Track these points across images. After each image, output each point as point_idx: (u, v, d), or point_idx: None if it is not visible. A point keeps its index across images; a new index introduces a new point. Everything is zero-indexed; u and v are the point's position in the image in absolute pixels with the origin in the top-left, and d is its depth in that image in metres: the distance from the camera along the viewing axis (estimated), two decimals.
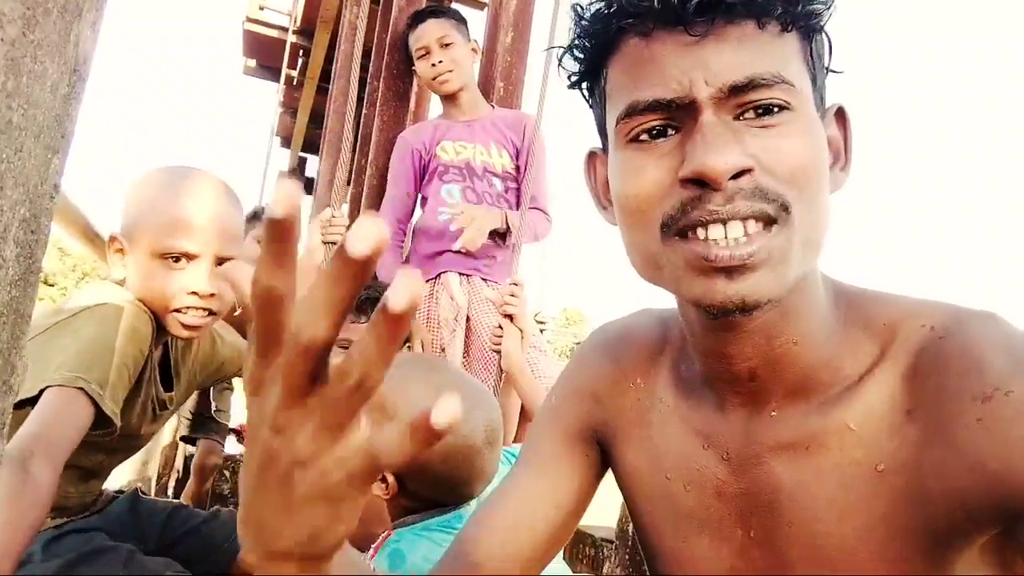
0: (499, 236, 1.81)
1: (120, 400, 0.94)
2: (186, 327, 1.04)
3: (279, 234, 0.29)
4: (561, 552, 0.90)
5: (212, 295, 1.04)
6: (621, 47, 0.52)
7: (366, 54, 1.87)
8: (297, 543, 0.35)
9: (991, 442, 0.44)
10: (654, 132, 0.51)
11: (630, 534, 1.76)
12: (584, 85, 0.58)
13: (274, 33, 3.88)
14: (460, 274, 1.81)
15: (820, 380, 0.53)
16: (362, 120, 2.24)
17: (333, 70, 2.85)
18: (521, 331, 1.54)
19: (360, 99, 1.89)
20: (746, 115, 0.49)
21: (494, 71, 2.01)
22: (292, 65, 3.81)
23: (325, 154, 2.58)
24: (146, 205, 1.03)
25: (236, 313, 1.25)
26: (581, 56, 0.55)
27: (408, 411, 0.92)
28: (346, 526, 0.35)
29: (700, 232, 0.48)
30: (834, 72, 0.54)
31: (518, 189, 1.88)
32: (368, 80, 2.24)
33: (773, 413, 0.54)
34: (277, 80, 3.98)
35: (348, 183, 2.06)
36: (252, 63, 4.36)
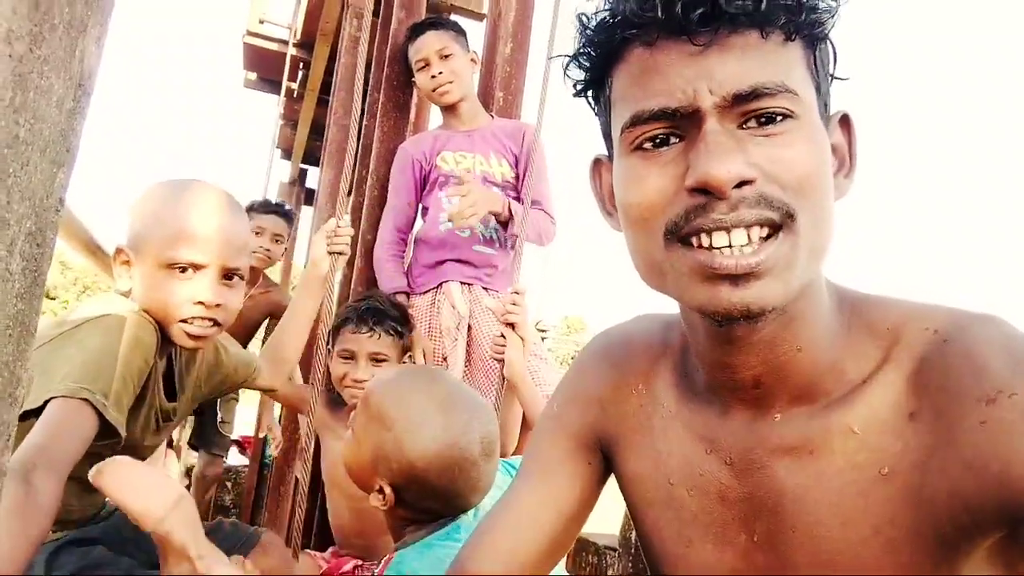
0: (501, 226, 1.80)
1: (125, 410, 0.95)
2: (191, 337, 1.04)
3: None
4: (564, 559, 0.90)
5: (218, 305, 1.04)
6: (626, 56, 0.52)
7: (366, 66, 1.88)
8: None
9: (995, 444, 0.44)
10: (658, 140, 0.51)
11: (633, 542, 1.76)
12: (589, 93, 0.58)
13: (274, 46, 3.90)
14: (461, 283, 1.81)
15: (824, 385, 0.53)
16: (362, 131, 2.25)
17: (333, 82, 2.86)
18: (523, 339, 1.54)
19: (361, 110, 1.89)
20: (749, 124, 0.49)
21: (493, 81, 2.02)
22: (292, 78, 3.83)
23: (326, 165, 2.59)
24: (152, 217, 1.03)
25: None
26: (586, 65, 0.56)
27: (408, 421, 0.92)
28: None
29: (704, 239, 0.48)
30: (839, 79, 0.54)
31: (518, 198, 1.88)
32: (368, 91, 2.25)
33: (776, 417, 0.54)
34: (278, 92, 3.99)
35: (349, 194, 2.06)
36: (253, 76, 4.38)
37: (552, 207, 1.88)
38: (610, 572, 1.84)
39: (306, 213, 4.54)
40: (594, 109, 0.60)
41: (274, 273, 3.27)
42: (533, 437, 0.73)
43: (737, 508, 0.56)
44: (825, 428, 0.52)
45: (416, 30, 1.92)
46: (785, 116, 0.49)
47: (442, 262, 1.83)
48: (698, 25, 0.47)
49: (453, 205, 1.71)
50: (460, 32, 1.92)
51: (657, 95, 0.50)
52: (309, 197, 4.69)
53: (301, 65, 3.79)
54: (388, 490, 0.92)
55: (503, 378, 1.55)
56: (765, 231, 0.48)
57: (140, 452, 1.15)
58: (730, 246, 0.48)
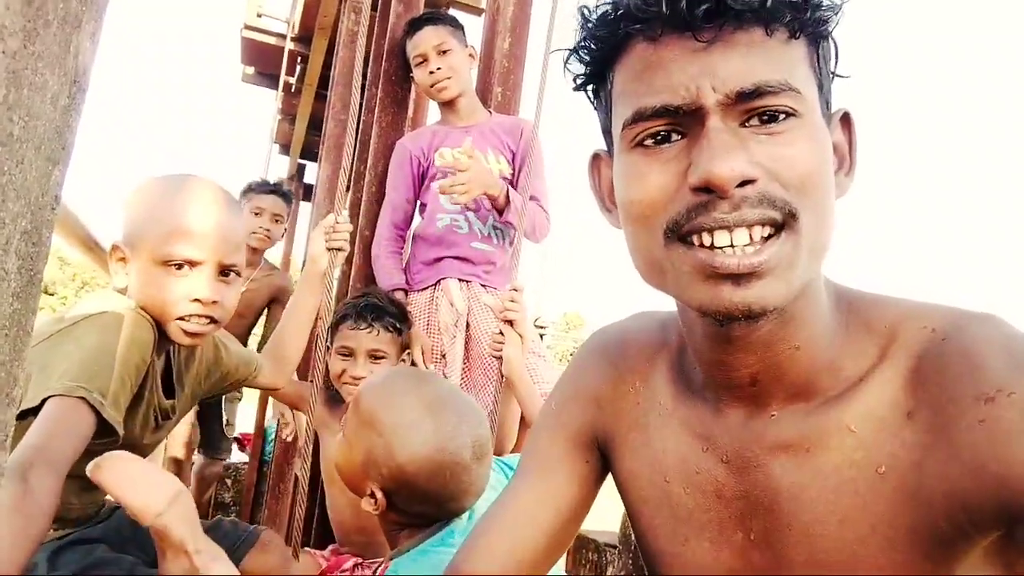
0: (496, 212, 1.79)
1: (122, 408, 0.94)
2: (188, 334, 1.04)
3: None
4: (564, 558, 0.90)
5: (215, 302, 1.04)
6: (628, 51, 0.52)
7: (365, 61, 1.88)
8: None
9: (993, 444, 0.44)
10: (659, 137, 0.50)
11: (633, 539, 1.76)
12: (589, 88, 0.58)
13: (272, 40, 3.89)
14: (460, 280, 1.81)
15: (821, 383, 0.53)
16: (361, 126, 2.24)
17: (331, 77, 2.85)
18: (521, 337, 1.54)
19: (359, 105, 1.88)
20: (752, 122, 0.48)
21: (492, 76, 2.01)
22: (290, 72, 3.82)
23: (324, 160, 2.58)
24: (147, 213, 1.03)
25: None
26: (587, 59, 0.55)
27: (397, 425, 0.92)
28: None
29: (705, 238, 0.48)
30: (841, 77, 0.54)
31: None
32: (367, 86, 2.24)
33: (773, 415, 0.54)
34: (275, 87, 3.98)
35: (348, 189, 2.06)
36: (251, 70, 4.36)
37: (548, 204, 1.87)
38: (610, 569, 1.85)
39: (304, 208, 4.52)
40: (594, 104, 0.59)
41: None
42: (531, 435, 0.73)
43: (733, 506, 0.56)
44: (822, 426, 0.52)
45: (414, 25, 1.92)
46: (788, 114, 0.48)
47: (440, 259, 1.82)
48: (703, 21, 0.47)
49: (447, 179, 1.70)
50: (458, 27, 1.91)
51: (660, 91, 0.49)
52: (307, 192, 4.68)
53: (299, 59, 3.78)
54: (379, 495, 0.92)
55: (501, 375, 1.54)
56: (767, 230, 0.48)
57: (139, 450, 1.14)
58: (732, 246, 0.47)
